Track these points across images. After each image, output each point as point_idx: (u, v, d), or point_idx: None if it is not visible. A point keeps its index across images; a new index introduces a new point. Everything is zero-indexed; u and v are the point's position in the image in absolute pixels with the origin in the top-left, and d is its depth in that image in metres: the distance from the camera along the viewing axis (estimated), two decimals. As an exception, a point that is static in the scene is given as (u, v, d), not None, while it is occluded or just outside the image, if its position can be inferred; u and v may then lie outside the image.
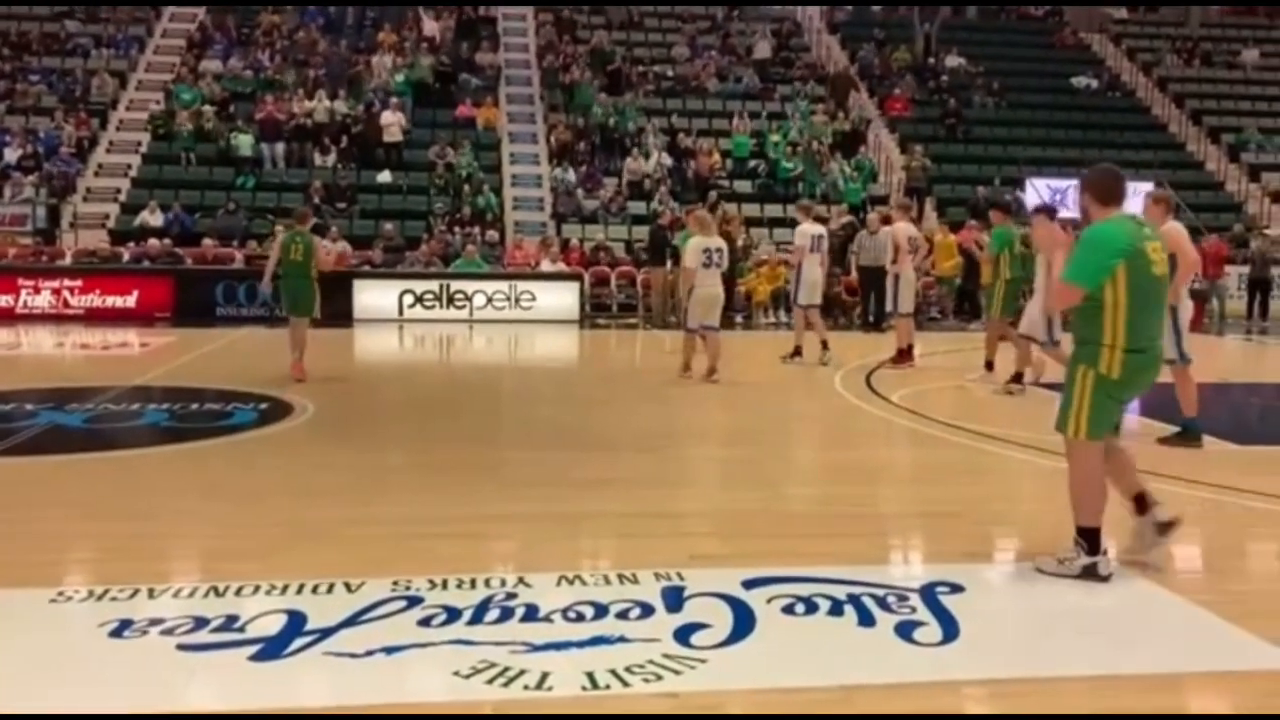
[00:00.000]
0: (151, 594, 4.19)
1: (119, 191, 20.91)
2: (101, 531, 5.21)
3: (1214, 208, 24.10)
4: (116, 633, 3.81)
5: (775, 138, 23.07)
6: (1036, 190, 22.90)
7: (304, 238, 10.55)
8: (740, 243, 17.67)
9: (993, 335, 11.08)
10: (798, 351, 12.09)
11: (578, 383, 11.94)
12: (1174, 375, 7.66)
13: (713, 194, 20.38)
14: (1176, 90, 28.04)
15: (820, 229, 12.31)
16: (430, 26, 25.78)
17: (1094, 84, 27.57)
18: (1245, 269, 19.74)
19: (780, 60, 27.04)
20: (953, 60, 27.36)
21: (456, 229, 19.61)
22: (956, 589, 4.36)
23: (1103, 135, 25.43)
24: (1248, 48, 29.90)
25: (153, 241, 18.24)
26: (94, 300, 16.64)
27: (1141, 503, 4.83)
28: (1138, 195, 25.77)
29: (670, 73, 25.66)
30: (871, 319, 16.09)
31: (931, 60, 27.47)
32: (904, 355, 11.79)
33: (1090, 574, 4.59)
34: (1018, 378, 10.11)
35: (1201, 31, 31.61)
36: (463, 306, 17.13)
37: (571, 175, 21.59)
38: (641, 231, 20.07)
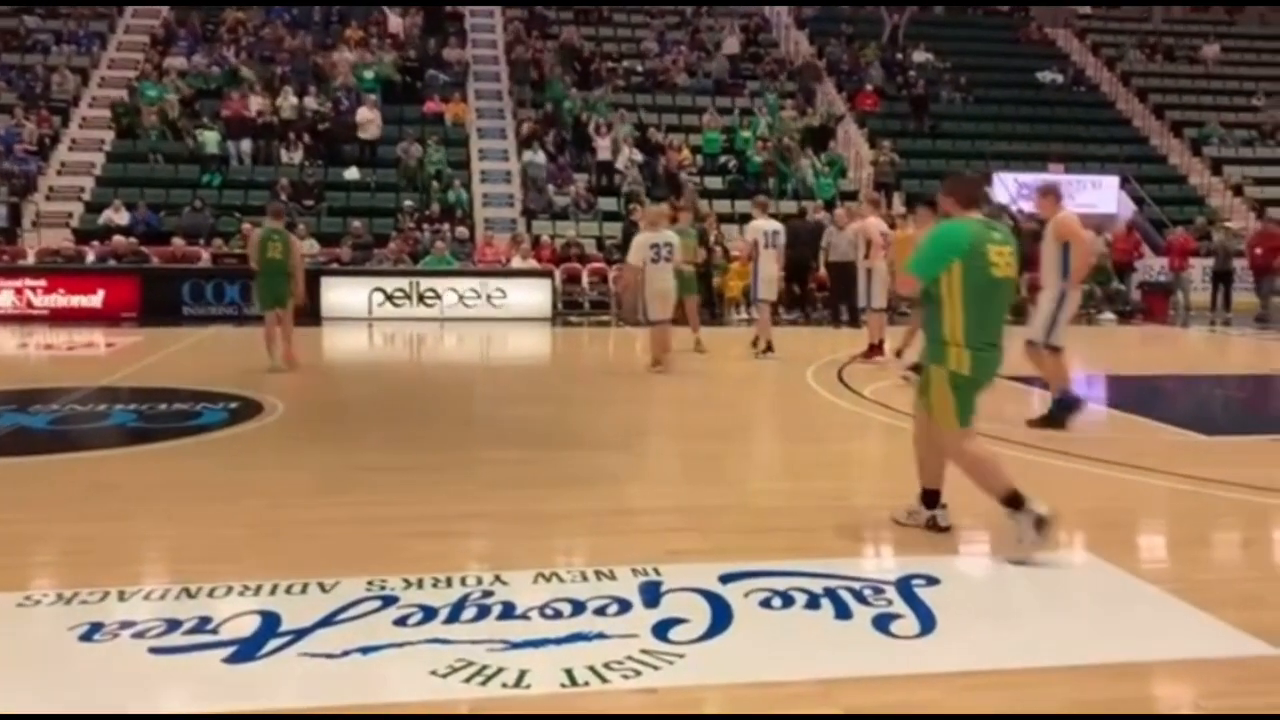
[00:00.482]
0: (122, 596, 4.13)
1: (83, 190, 20.65)
2: (69, 534, 5.13)
3: (1177, 201, 24.43)
4: (87, 636, 3.75)
5: (745, 133, 23.12)
6: (1004, 184, 23.11)
7: (281, 234, 10.88)
8: (712, 238, 17.71)
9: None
10: (769, 347, 12.14)
11: (551, 381, 11.91)
12: (1031, 356, 7.94)
13: (689, 185, 20.41)
14: (1140, 85, 28.38)
15: (776, 225, 12.49)
16: (395, 23, 25.61)
17: (1059, 79, 27.86)
18: (1209, 261, 19.97)
19: (749, 56, 27.11)
20: (920, 55, 27.53)
21: (426, 226, 19.51)
22: (932, 581, 4.38)
23: (1068, 129, 25.71)
24: (1208, 43, 30.31)
25: (118, 238, 18.02)
26: (58, 300, 16.43)
27: (1016, 501, 4.83)
28: (1100, 188, 26.04)
29: (640, 68, 25.65)
30: (846, 316, 16.13)
31: (899, 55, 27.62)
32: (875, 350, 11.84)
33: (934, 525, 5.13)
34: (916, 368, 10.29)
35: (1164, 27, 32.00)
36: (433, 304, 17.04)
37: (541, 157, 21.52)
38: (612, 228, 20.07)
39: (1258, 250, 18.74)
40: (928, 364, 5.02)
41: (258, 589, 4.21)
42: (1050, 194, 8.08)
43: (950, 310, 4.79)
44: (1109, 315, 18.71)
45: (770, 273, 12.19)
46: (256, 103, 21.90)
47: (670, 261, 10.91)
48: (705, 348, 12.48)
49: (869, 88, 25.94)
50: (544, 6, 27.40)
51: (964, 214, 4.94)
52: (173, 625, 3.84)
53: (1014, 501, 4.76)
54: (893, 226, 13.40)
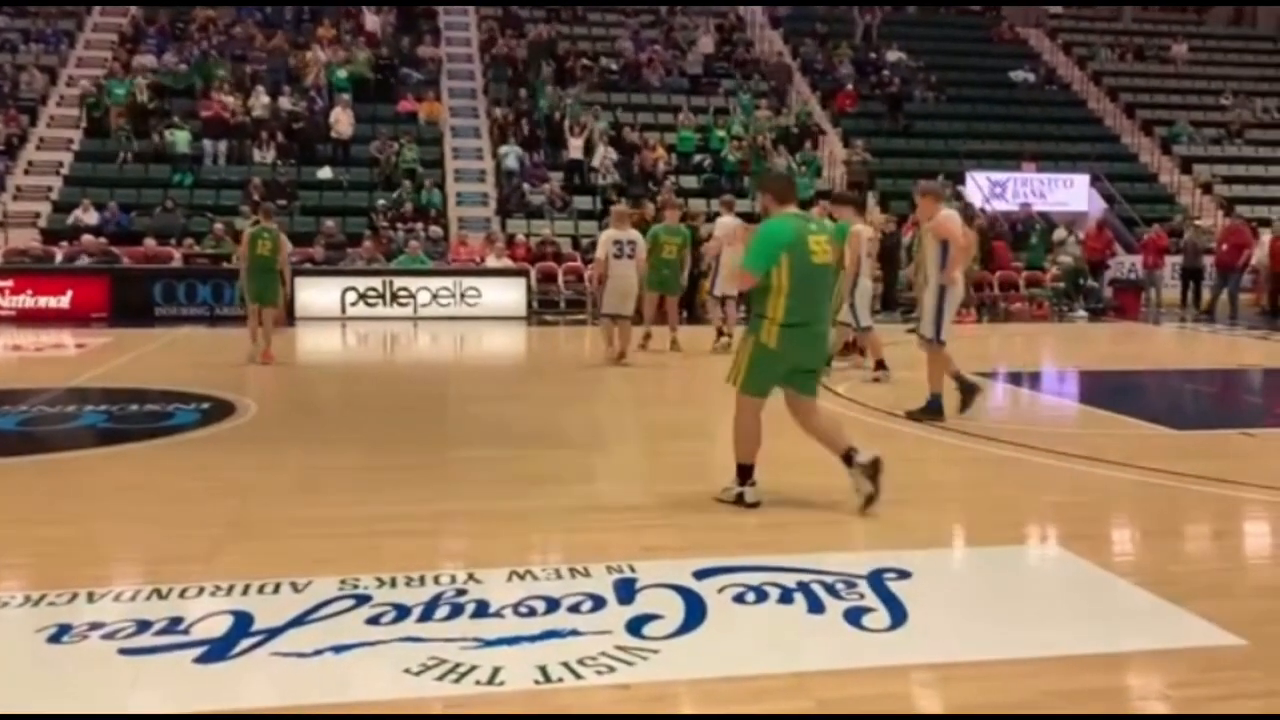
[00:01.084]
0: (91, 598, 4.10)
1: (50, 189, 20.42)
2: (37, 536, 5.07)
3: (1148, 199, 24.67)
4: (55, 638, 3.72)
5: (720, 132, 23.16)
6: (976, 183, 23.27)
7: (271, 233, 11.31)
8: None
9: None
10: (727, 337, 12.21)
11: (525, 379, 11.88)
12: (926, 352, 8.18)
13: (668, 184, 20.41)
14: (1111, 84, 28.64)
15: (741, 223, 12.51)
16: (372, 21, 25.49)
17: (1031, 78, 28.06)
18: (1178, 259, 20.17)
19: (723, 55, 27.15)
20: (893, 54, 27.65)
21: (399, 225, 19.42)
22: (904, 575, 4.41)
23: (1040, 128, 25.92)
24: (1177, 42, 30.62)
25: (87, 237, 17.82)
26: (26, 301, 16.23)
27: (849, 458, 5.50)
28: (1071, 187, 26.19)
29: (614, 66, 25.64)
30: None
31: (873, 55, 27.74)
32: (851, 348, 11.88)
33: (740, 500, 5.53)
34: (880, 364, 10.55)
35: (1134, 26, 32.31)
36: (406, 304, 16.96)
37: (516, 149, 21.48)
38: (587, 226, 20.04)
39: (1223, 247, 18.94)
40: (746, 333, 5.60)
41: (230, 589, 4.19)
42: (930, 194, 8.40)
43: (777, 293, 5.34)
44: (1081, 312, 18.87)
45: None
46: (228, 102, 21.73)
47: (632, 259, 11.20)
48: (681, 346, 12.49)
49: (849, 87, 26.01)
50: (518, 5, 27.36)
51: (781, 209, 5.50)
52: (143, 626, 3.81)
53: (746, 473, 5.61)
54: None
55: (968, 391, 8.21)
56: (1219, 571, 4.76)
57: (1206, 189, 25.09)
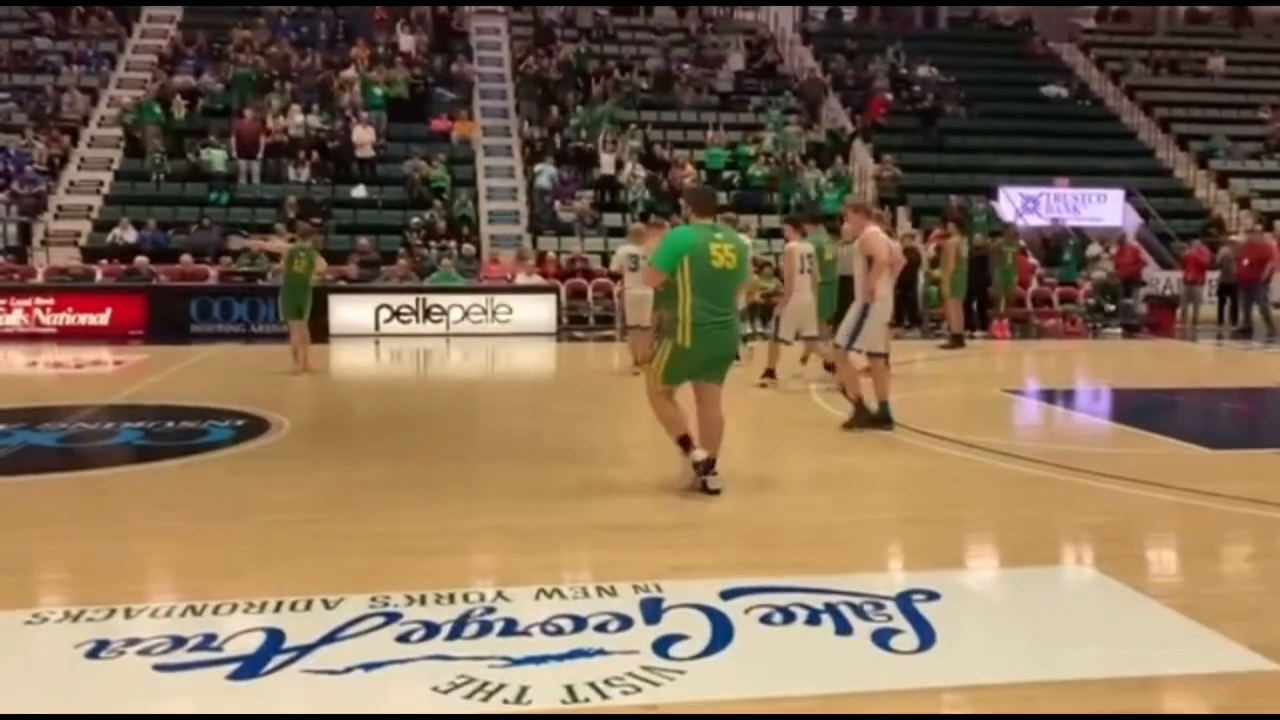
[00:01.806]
0: (128, 614, 4.16)
1: (91, 208, 20.78)
2: (77, 551, 5.16)
3: (1184, 214, 24.41)
4: (93, 654, 3.78)
5: (750, 149, 23.18)
6: (1008, 198, 23.14)
7: (308, 252, 12.23)
8: None
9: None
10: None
11: (555, 395, 11.93)
12: (835, 358, 8.65)
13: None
14: (1145, 98, 28.38)
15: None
16: (407, 41, 25.77)
17: (1064, 93, 27.88)
18: (1215, 274, 19.93)
19: (753, 71, 27.20)
20: (924, 70, 27.59)
21: (432, 243, 19.59)
22: (932, 596, 4.39)
23: (1073, 143, 25.71)
24: (1213, 55, 30.31)
25: (140, 259, 18.08)
26: (66, 318, 16.52)
27: (686, 444, 6.22)
28: (1105, 202, 26.02)
29: (645, 85, 25.76)
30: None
31: (904, 71, 27.69)
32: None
33: (702, 480, 6.13)
34: (769, 373, 11.01)
35: (1168, 40, 32.04)
36: (439, 320, 17.10)
37: (551, 168, 21.62)
38: (617, 243, 20.08)
39: (1245, 261, 18.69)
40: (663, 339, 6.24)
41: (262, 606, 4.23)
42: (859, 211, 8.83)
43: (682, 295, 6.01)
44: (1115, 329, 18.68)
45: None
46: (264, 121, 22.03)
47: (638, 272, 11.51)
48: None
49: (883, 96, 26.00)
50: (549, 21, 27.56)
51: (697, 220, 6.31)
52: (178, 642, 3.87)
53: (685, 443, 6.23)
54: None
55: (860, 416, 8.39)
56: (1255, 595, 4.70)
57: (1244, 204, 24.79)
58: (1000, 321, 17.79)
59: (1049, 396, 11.61)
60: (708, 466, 6.15)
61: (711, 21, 29.63)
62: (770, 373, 11.08)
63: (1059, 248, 21.67)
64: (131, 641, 3.87)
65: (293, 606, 4.22)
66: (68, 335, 16.24)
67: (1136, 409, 10.69)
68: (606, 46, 27.43)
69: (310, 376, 11.99)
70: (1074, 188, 23.72)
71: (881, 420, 8.36)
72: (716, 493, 6.09)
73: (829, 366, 10.74)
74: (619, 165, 22.06)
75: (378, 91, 23.47)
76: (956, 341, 15.33)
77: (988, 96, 27.37)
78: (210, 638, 3.91)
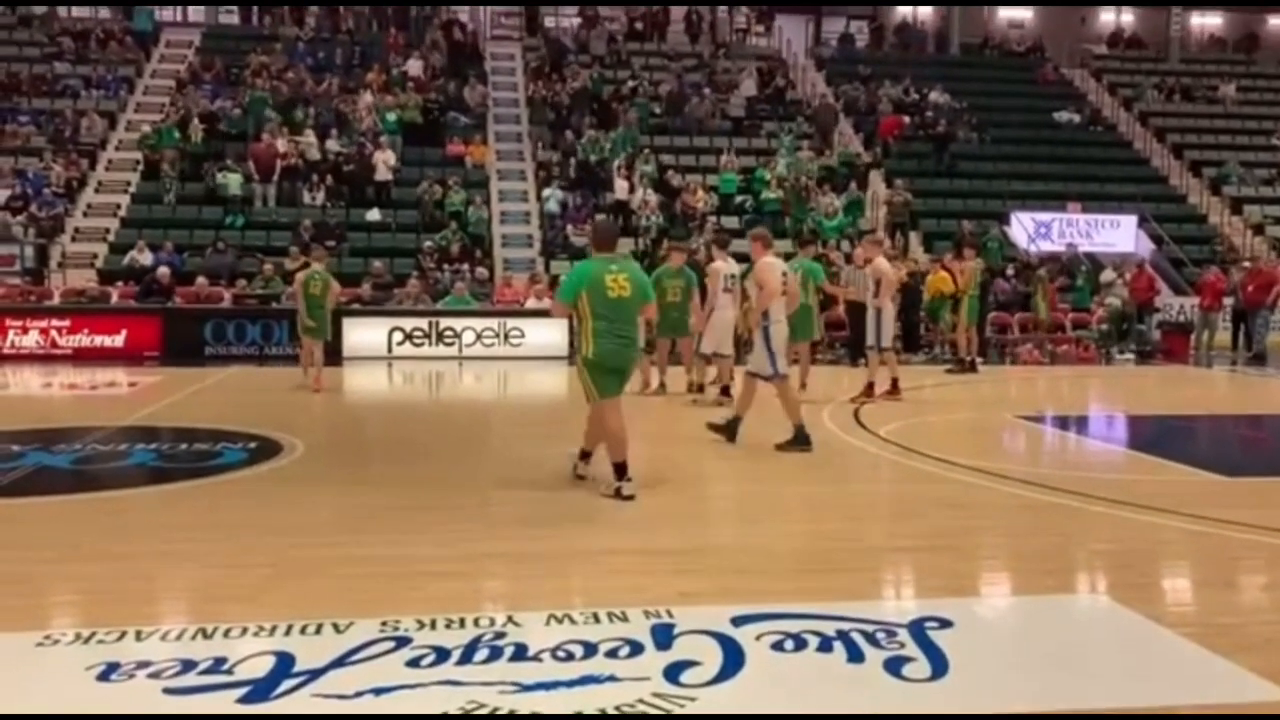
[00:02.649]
0: (139, 636, 4.17)
1: (108, 231, 20.93)
2: (89, 573, 5.18)
3: (1196, 240, 24.35)
4: (104, 676, 3.79)
5: (767, 173, 23.24)
6: (1021, 223, 23.13)
7: (322, 275, 12.85)
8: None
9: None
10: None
11: (566, 420, 11.89)
12: (775, 388, 8.74)
13: (710, 225, 20.47)
14: (1158, 125, 28.40)
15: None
16: (414, 66, 25.96)
17: (1076, 119, 27.91)
18: (1229, 300, 19.87)
19: (765, 97, 27.31)
20: (936, 96, 27.67)
21: (446, 266, 19.67)
22: (945, 624, 4.37)
23: (1085, 169, 25.73)
24: (1225, 83, 30.34)
25: (162, 269, 18.15)
26: (82, 340, 16.60)
27: (586, 455, 7.19)
28: (1118, 228, 25.94)
29: (657, 110, 25.89)
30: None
31: (916, 96, 27.77)
32: (871, 389, 11.86)
33: (619, 494, 6.68)
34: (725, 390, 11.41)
35: (1181, 67, 32.07)
36: (452, 343, 17.13)
37: (558, 193, 21.73)
38: (630, 268, 20.14)
39: (1249, 288, 18.85)
40: (578, 365, 7.01)
41: (273, 629, 4.24)
42: (758, 240, 9.17)
43: (585, 321, 6.80)
44: (1128, 355, 18.62)
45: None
46: (280, 145, 22.21)
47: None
48: (701, 386, 12.34)
49: (896, 117, 26.12)
50: (563, 48, 27.76)
51: (595, 254, 7.09)
52: (188, 665, 3.87)
53: (585, 455, 7.23)
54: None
55: (799, 440, 8.59)
56: (1269, 625, 4.66)
57: (1258, 230, 24.73)
58: (1032, 348, 17.98)
59: (1062, 422, 11.56)
60: (622, 490, 6.72)
61: (724, 47, 29.80)
62: (700, 387, 11.88)
63: (1072, 273, 21.64)
64: (142, 664, 3.88)
65: (303, 630, 4.23)
66: (83, 357, 16.33)
67: (1150, 435, 10.64)
68: (620, 72, 27.59)
69: (322, 399, 12.06)
70: (1086, 213, 23.70)
71: (799, 442, 8.61)
72: (631, 498, 6.64)
73: (726, 390, 11.34)
74: (631, 189, 22.13)
75: (391, 116, 23.65)
76: (969, 367, 15.29)
77: (1000, 122, 27.42)
78: (220, 661, 3.92)
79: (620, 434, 6.79)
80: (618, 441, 6.79)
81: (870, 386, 11.86)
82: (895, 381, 11.93)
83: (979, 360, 15.97)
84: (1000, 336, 19.41)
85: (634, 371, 7.92)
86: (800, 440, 8.60)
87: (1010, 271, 20.56)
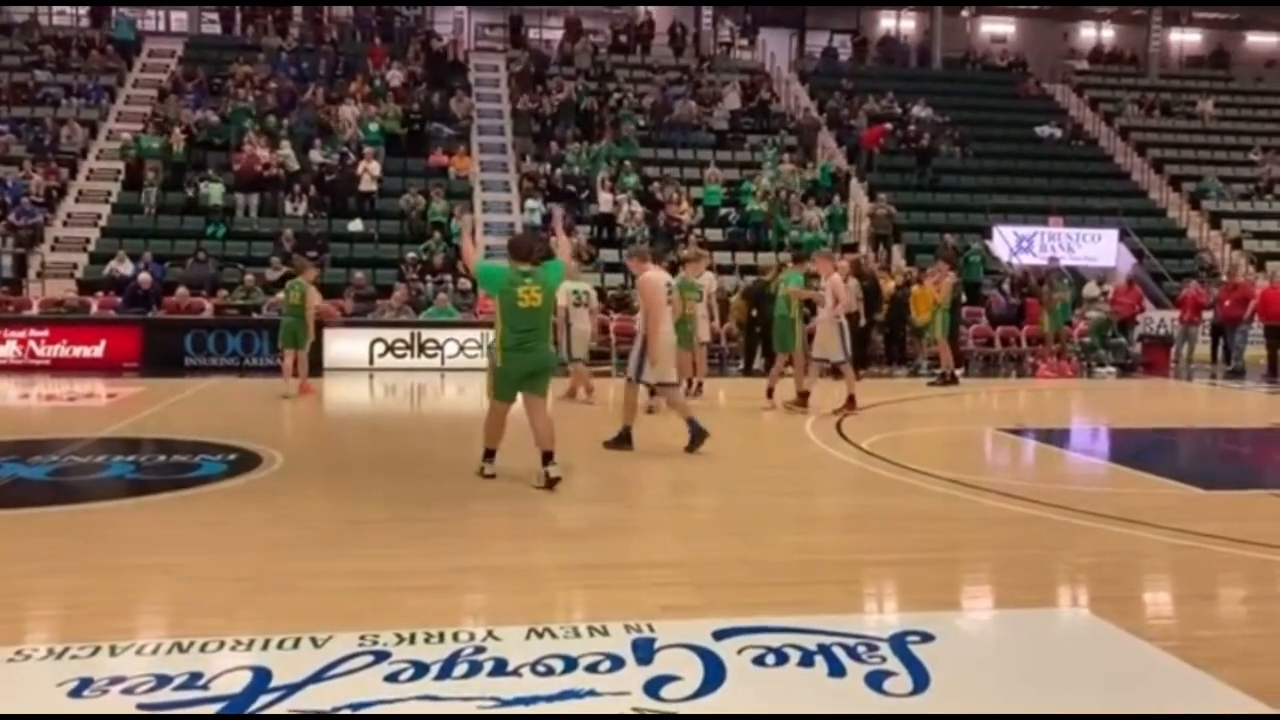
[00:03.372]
0: (113, 651, 4.12)
1: (88, 241, 20.80)
2: (63, 587, 5.12)
3: (1176, 254, 24.56)
4: (76, 692, 3.73)
5: (752, 186, 23.31)
6: (1003, 237, 23.26)
7: (300, 285, 13.11)
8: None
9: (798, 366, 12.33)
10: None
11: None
12: (626, 390, 9.29)
13: (694, 238, 20.50)
14: (1138, 139, 28.67)
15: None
16: (395, 76, 25.93)
17: (1057, 133, 28.15)
18: (1208, 315, 20.02)
19: (748, 110, 27.41)
20: (920, 110, 27.83)
21: (428, 277, 19.61)
22: (927, 638, 4.36)
23: (1066, 183, 25.94)
24: (1204, 99, 30.65)
25: (143, 275, 18.03)
26: (61, 350, 16.46)
27: (547, 457, 7.39)
28: (1099, 242, 26.08)
29: (642, 122, 25.94)
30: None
31: (899, 110, 27.93)
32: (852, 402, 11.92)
33: (482, 473, 7.63)
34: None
35: (1160, 83, 32.39)
36: (434, 355, 17.07)
37: (541, 205, 21.72)
38: (613, 279, 20.15)
39: (1226, 302, 19.03)
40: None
41: (250, 644, 4.19)
42: (635, 256, 9.83)
43: (498, 325, 7.40)
44: (1110, 368, 18.71)
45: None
46: (261, 155, 22.13)
47: (586, 307, 12.63)
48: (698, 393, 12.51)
49: (887, 126, 26.25)
50: (546, 58, 27.81)
51: (513, 263, 7.47)
52: (163, 681, 3.82)
53: (489, 455, 7.73)
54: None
55: (695, 437, 9.04)
56: (1248, 638, 4.68)
57: (1237, 244, 24.96)
58: (1049, 363, 18.04)
59: (1044, 436, 11.60)
60: (484, 470, 7.64)
61: (708, 60, 29.91)
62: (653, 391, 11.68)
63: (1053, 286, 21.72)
64: (115, 680, 3.83)
65: (280, 644, 4.18)
66: (62, 367, 16.19)
67: (1131, 449, 10.69)
68: (605, 84, 27.64)
69: (303, 410, 12.01)
70: (1068, 227, 23.86)
71: (622, 441, 9.11)
72: (558, 480, 7.24)
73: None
74: (616, 203, 22.15)
75: (373, 127, 23.61)
76: (950, 380, 15.34)
77: (982, 136, 27.62)
78: (196, 676, 3.87)
79: (501, 428, 7.61)
80: (496, 432, 7.62)
81: (851, 399, 11.90)
82: (805, 395, 12.01)
83: (958, 372, 16.03)
84: (1007, 349, 19.49)
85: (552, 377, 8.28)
86: (623, 440, 9.13)
87: (1006, 286, 20.56)
